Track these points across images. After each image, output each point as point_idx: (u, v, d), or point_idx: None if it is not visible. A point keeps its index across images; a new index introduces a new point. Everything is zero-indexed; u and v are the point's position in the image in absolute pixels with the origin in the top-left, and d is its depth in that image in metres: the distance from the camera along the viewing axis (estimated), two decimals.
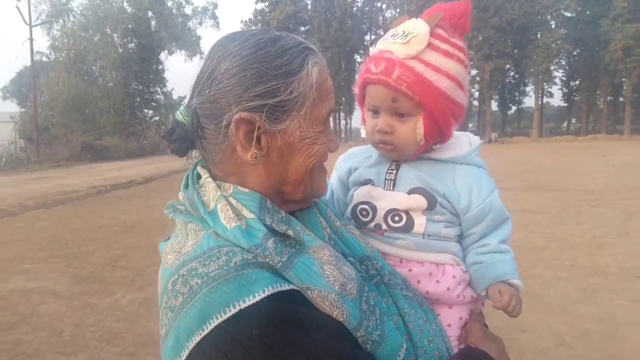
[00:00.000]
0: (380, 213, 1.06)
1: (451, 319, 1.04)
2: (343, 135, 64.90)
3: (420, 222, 1.04)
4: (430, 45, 0.99)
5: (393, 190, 1.08)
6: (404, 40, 0.99)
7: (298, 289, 0.74)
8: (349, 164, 1.21)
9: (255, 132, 0.80)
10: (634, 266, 5.39)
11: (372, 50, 1.08)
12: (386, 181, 1.09)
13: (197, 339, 0.68)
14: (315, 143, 0.86)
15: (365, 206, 1.09)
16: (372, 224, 1.08)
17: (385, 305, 0.88)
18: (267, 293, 0.70)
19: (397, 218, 1.05)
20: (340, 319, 0.75)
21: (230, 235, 0.77)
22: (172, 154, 0.91)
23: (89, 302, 4.94)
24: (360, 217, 1.09)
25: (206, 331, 0.67)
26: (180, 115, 0.86)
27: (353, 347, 0.75)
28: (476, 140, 1.15)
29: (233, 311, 0.67)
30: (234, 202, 0.82)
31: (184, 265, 0.75)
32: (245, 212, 0.81)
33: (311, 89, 0.83)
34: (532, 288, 4.73)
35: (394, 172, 1.10)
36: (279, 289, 0.71)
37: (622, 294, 4.58)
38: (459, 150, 1.10)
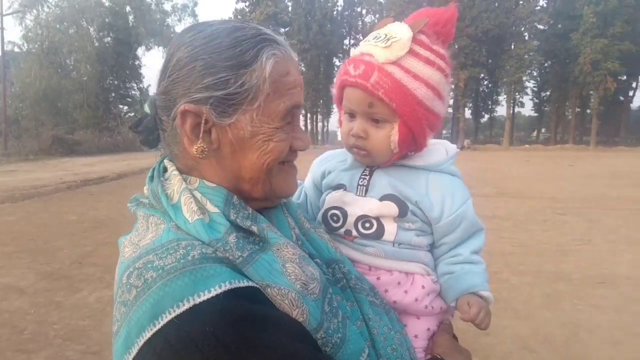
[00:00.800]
0: (351, 219, 1.04)
1: (418, 330, 1.03)
2: (320, 138, 64.94)
3: (391, 230, 1.02)
4: (411, 52, 0.96)
5: (365, 196, 1.06)
6: (385, 44, 0.97)
7: (257, 286, 0.71)
8: (323, 166, 1.18)
9: (202, 125, 0.78)
10: (596, 273, 5.56)
11: (353, 52, 1.05)
12: (359, 187, 1.07)
13: (148, 334, 0.64)
14: (270, 140, 0.82)
15: (337, 211, 1.07)
16: (342, 230, 1.06)
17: (349, 309, 0.86)
18: (223, 289, 0.67)
19: (367, 225, 1.03)
20: (300, 319, 0.72)
21: (192, 229, 0.74)
22: (142, 144, 0.90)
23: (54, 299, 4.81)
24: (331, 222, 1.07)
25: (158, 326, 0.64)
26: (147, 106, 0.86)
27: (312, 349, 0.72)
28: (452, 148, 1.13)
29: (187, 306, 0.64)
30: (198, 195, 0.80)
31: (140, 258, 0.73)
32: (209, 206, 0.79)
33: (265, 82, 0.79)
34: (499, 292, 4.84)
35: (367, 177, 1.08)
36: (237, 285, 0.69)
37: (584, 299, 4.72)
38: (434, 158, 1.08)
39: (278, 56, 0.81)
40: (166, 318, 0.64)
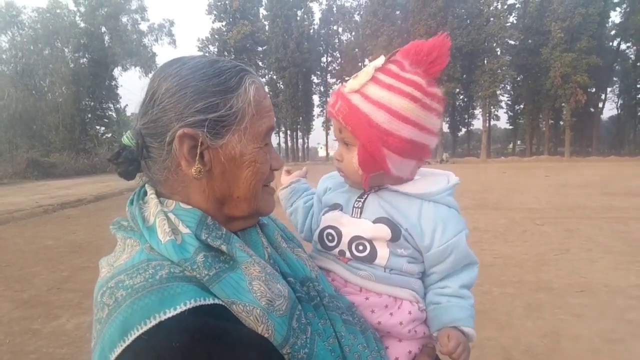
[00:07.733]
0: (345, 239, 1.07)
1: (399, 353, 1.04)
2: (300, 154, 65.03)
3: (383, 254, 1.04)
4: (374, 79, 1.02)
5: (360, 218, 1.09)
6: (355, 76, 1.05)
7: (223, 303, 0.74)
8: (326, 183, 1.25)
9: (199, 147, 0.83)
10: (575, 282, 5.65)
11: None
12: (354, 209, 1.11)
13: (119, 350, 0.67)
14: (255, 160, 0.89)
15: (332, 231, 1.10)
16: (336, 250, 1.08)
17: (321, 326, 0.88)
18: (188, 306, 0.70)
19: (361, 247, 1.05)
20: (266, 335, 0.75)
21: (163, 249, 0.78)
22: (120, 177, 0.93)
23: (31, 327, 4.66)
24: (326, 241, 1.10)
25: (128, 342, 0.67)
26: (126, 139, 0.89)
27: None
28: (454, 179, 1.13)
29: (154, 322, 0.68)
30: (172, 217, 0.84)
31: (113, 278, 0.76)
32: (182, 227, 0.82)
33: (249, 105, 0.87)
34: (481, 304, 4.88)
35: (362, 200, 1.11)
36: (202, 302, 0.72)
37: (564, 308, 4.78)
38: (430, 188, 1.09)
39: (257, 83, 0.90)
40: (134, 334, 0.67)
